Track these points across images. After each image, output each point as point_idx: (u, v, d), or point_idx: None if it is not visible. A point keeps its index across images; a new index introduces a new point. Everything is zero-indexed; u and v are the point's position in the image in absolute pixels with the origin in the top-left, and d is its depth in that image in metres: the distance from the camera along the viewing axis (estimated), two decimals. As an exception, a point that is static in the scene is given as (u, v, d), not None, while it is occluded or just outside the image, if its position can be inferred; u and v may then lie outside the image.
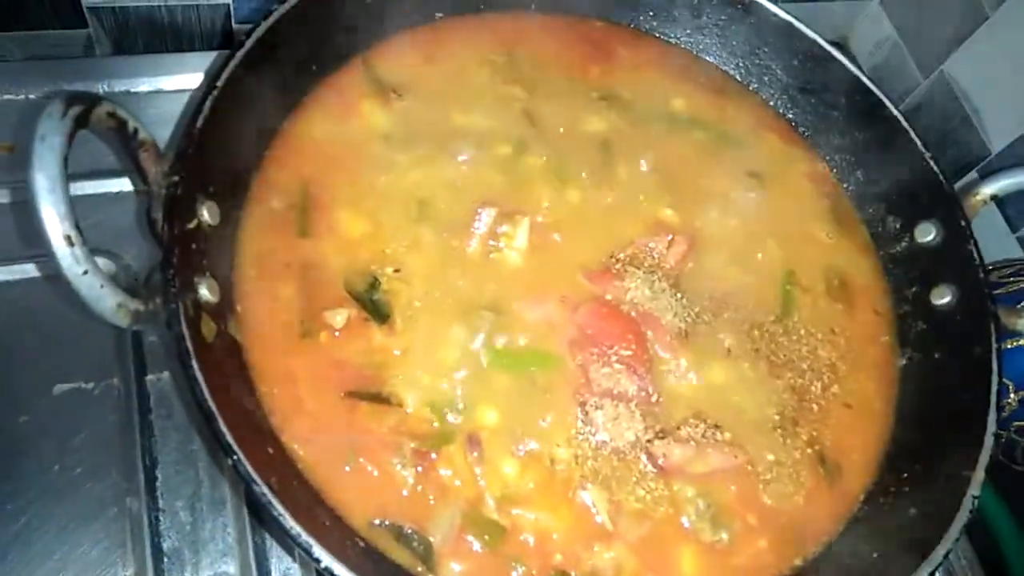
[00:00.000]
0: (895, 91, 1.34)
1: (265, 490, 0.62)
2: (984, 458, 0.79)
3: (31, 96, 1.05)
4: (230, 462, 0.63)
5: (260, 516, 0.86)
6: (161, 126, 1.04)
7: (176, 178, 0.72)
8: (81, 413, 0.89)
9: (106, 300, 0.63)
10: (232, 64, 0.78)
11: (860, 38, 1.46)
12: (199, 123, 0.74)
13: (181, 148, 0.73)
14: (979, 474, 0.78)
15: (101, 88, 1.09)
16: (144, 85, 1.10)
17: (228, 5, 1.14)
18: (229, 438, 0.63)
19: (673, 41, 1.11)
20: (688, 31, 1.10)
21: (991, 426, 0.80)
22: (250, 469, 0.62)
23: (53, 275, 0.63)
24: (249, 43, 0.81)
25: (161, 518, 0.85)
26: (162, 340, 0.92)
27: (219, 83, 0.77)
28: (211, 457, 0.89)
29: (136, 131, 0.70)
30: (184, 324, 0.67)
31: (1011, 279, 1.05)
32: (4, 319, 0.92)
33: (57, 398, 0.89)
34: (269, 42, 0.83)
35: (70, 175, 0.62)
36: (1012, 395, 0.98)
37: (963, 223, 0.92)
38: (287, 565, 0.86)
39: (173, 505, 0.86)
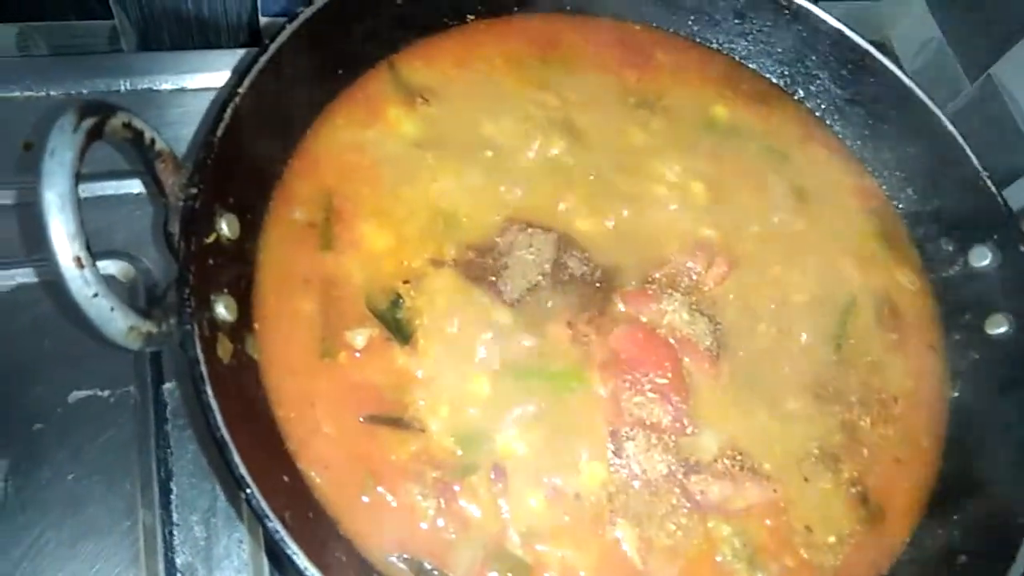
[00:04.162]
0: (939, 95, 1.27)
1: (279, 527, 0.59)
2: (1044, 502, 0.74)
3: (52, 93, 1.03)
4: (243, 495, 0.60)
5: (271, 549, 0.83)
6: (185, 125, 1.03)
7: (194, 190, 0.69)
8: (96, 422, 0.87)
9: (117, 323, 0.60)
10: (254, 70, 0.75)
11: (903, 38, 1.39)
12: (219, 131, 0.71)
13: (200, 158, 0.70)
14: (1037, 521, 0.74)
15: (124, 86, 1.07)
16: (167, 83, 1.08)
17: (255, -2, 1.12)
18: (243, 470, 0.60)
19: (715, 46, 1.06)
20: (730, 36, 1.05)
21: (1051, 468, 0.76)
22: (264, 504, 0.59)
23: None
24: (273, 47, 0.77)
25: (175, 532, 0.84)
26: (176, 356, 0.90)
27: (240, 89, 0.74)
28: (223, 483, 0.86)
29: (153, 141, 0.68)
30: (199, 346, 0.64)
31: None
32: (18, 324, 0.90)
33: (72, 406, 0.88)
34: (293, 46, 0.80)
35: (86, 175, 0.59)
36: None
37: (1022, 248, 0.87)
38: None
39: (188, 519, 0.85)
